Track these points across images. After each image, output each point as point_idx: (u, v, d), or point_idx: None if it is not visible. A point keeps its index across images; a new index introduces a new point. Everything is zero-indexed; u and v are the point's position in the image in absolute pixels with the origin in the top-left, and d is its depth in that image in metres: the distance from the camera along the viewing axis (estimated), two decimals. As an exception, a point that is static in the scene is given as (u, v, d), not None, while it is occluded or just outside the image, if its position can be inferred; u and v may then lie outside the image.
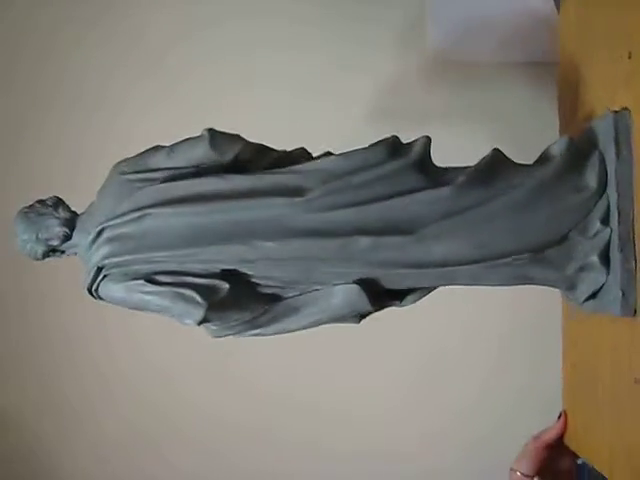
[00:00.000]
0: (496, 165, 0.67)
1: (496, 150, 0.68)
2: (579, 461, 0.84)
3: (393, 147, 0.67)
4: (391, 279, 0.67)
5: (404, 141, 0.69)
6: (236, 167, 0.66)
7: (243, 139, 0.68)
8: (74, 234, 0.69)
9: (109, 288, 0.67)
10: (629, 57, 0.62)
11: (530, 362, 1.24)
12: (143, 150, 0.68)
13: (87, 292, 0.68)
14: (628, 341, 0.63)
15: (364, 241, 0.64)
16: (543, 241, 0.65)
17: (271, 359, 1.25)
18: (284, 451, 1.33)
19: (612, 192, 0.64)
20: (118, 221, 0.65)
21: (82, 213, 0.70)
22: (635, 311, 0.62)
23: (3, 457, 1.34)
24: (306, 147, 0.73)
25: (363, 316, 0.70)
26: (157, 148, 0.68)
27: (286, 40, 1.26)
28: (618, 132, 0.63)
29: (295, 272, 0.66)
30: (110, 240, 0.66)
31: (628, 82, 0.63)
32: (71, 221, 0.69)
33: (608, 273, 0.64)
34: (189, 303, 0.65)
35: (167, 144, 0.68)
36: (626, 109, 0.63)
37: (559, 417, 0.85)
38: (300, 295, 0.68)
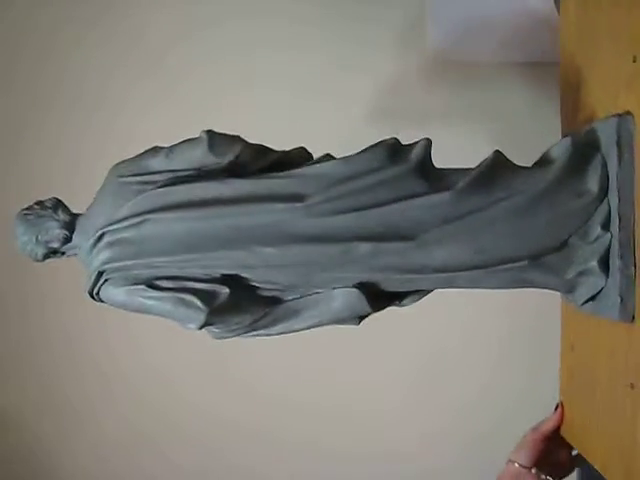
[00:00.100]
0: (497, 169, 0.66)
1: (497, 152, 0.68)
2: (574, 452, 0.84)
3: (393, 150, 0.66)
4: (391, 283, 0.67)
5: (404, 142, 0.69)
6: (235, 169, 0.66)
7: (242, 140, 0.67)
8: (74, 236, 0.69)
9: (110, 292, 0.67)
10: (634, 61, 0.61)
11: (529, 363, 1.24)
12: (142, 152, 0.68)
13: (88, 295, 0.68)
14: (625, 346, 0.63)
15: (364, 247, 0.64)
16: (543, 247, 0.65)
17: (271, 359, 1.25)
18: (284, 451, 1.33)
19: (613, 197, 0.64)
20: (118, 226, 0.65)
21: (81, 214, 0.70)
22: (633, 317, 0.62)
23: (3, 457, 1.34)
24: (306, 147, 0.73)
25: (362, 317, 0.70)
26: (156, 150, 0.68)
27: (286, 40, 1.26)
28: (620, 136, 0.63)
29: (295, 276, 0.66)
30: (110, 245, 0.66)
31: (631, 85, 0.63)
32: (71, 223, 0.69)
33: (607, 278, 0.64)
34: (190, 308, 0.65)
35: (166, 145, 0.68)
36: (629, 113, 0.63)
37: (556, 409, 0.85)
38: (300, 298, 0.68)
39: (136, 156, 0.68)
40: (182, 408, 1.33)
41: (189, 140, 0.67)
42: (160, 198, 0.65)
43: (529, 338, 1.25)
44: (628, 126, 0.62)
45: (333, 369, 1.31)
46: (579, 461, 0.84)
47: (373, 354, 1.29)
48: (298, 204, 0.64)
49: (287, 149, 0.71)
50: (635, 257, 0.62)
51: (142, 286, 0.65)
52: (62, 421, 1.35)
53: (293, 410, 1.31)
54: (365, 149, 0.67)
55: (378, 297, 0.68)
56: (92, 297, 0.69)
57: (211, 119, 1.20)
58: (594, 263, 0.64)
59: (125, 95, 1.29)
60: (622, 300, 0.62)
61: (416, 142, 0.68)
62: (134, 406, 1.34)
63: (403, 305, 0.72)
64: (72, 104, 1.30)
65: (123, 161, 0.69)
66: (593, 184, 0.65)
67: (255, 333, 0.70)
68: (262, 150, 0.68)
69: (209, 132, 0.66)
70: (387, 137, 0.69)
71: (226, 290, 0.65)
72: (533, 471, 0.82)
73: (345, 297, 0.67)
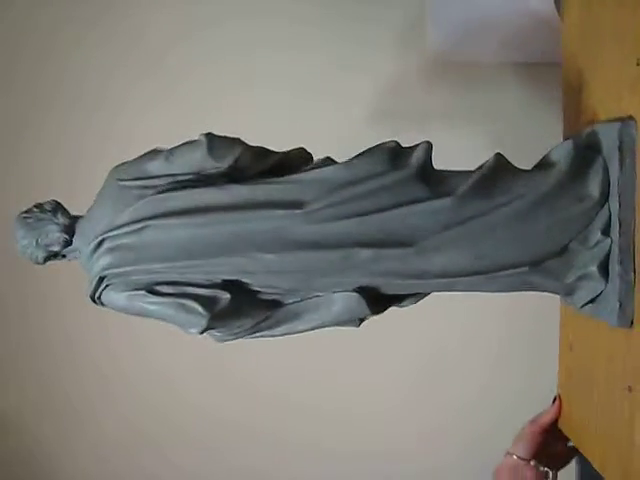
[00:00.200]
0: (498, 172, 0.66)
1: (498, 155, 0.67)
2: (570, 443, 0.84)
3: (394, 154, 0.66)
4: (391, 287, 0.67)
5: (404, 143, 0.68)
6: (235, 172, 0.66)
7: (242, 143, 0.67)
8: (74, 239, 0.69)
9: (111, 297, 0.67)
10: (638, 64, 0.61)
11: (528, 363, 1.24)
12: (141, 154, 0.68)
13: (90, 300, 0.69)
14: (624, 350, 0.63)
15: (365, 253, 0.64)
16: (544, 252, 0.65)
17: (271, 359, 1.25)
18: (284, 451, 1.33)
19: (614, 203, 0.63)
20: (118, 232, 0.65)
21: (81, 217, 0.70)
22: (632, 322, 0.62)
23: (3, 459, 1.34)
24: (306, 147, 0.72)
25: (363, 320, 0.70)
26: (155, 152, 0.67)
27: (286, 40, 1.26)
28: (623, 142, 0.62)
29: (295, 281, 0.66)
30: (111, 250, 0.66)
31: (635, 88, 0.62)
32: (70, 227, 0.69)
33: (607, 283, 0.64)
34: (191, 314, 0.65)
35: (165, 148, 0.67)
36: (632, 118, 0.62)
37: (553, 401, 0.86)
38: (301, 301, 0.68)
39: (135, 159, 0.68)
40: (183, 409, 1.33)
41: (188, 143, 0.66)
42: (160, 204, 0.65)
43: (528, 339, 1.26)
44: (630, 131, 0.62)
45: (333, 370, 1.31)
46: (576, 452, 0.84)
47: (373, 355, 1.29)
48: (298, 210, 0.64)
49: (287, 150, 0.70)
50: (635, 263, 0.62)
51: (143, 292, 0.66)
52: (62, 423, 1.35)
53: (293, 410, 1.31)
54: (365, 153, 0.67)
55: (378, 300, 0.68)
56: (94, 301, 0.69)
57: (211, 119, 1.21)
58: (594, 268, 0.64)
59: (125, 95, 1.29)
60: (621, 305, 0.62)
61: (417, 145, 0.67)
62: (134, 407, 1.34)
63: (403, 306, 0.72)
64: (72, 104, 1.30)
65: (122, 164, 0.68)
66: (594, 189, 0.65)
67: (257, 335, 0.70)
68: (262, 152, 0.68)
69: (208, 135, 0.66)
70: (387, 139, 0.69)
71: (227, 295, 0.65)
72: (532, 463, 0.83)
73: (345, 301, 0.67)
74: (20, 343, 1.34)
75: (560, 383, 0.86)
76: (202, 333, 0.66)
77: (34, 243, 0.69)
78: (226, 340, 0.70)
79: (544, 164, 0.69)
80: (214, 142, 0.65)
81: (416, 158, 0.66)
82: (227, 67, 1.27)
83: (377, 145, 0.67)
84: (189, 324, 0.66)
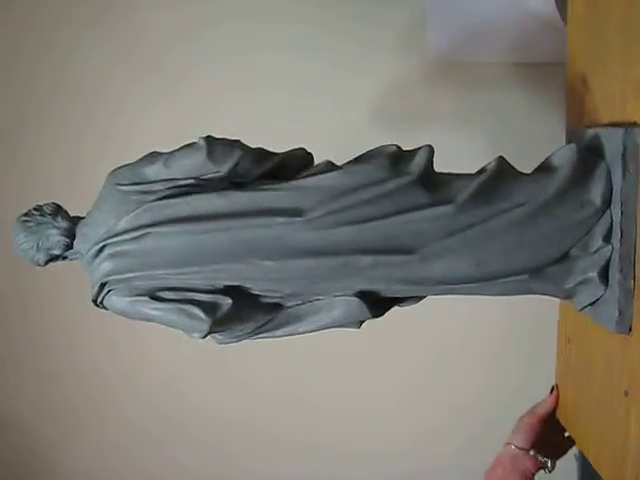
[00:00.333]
0: (500, 178, 0.66)
1: (500, 159, 0.67)
2: (567, 433, 0.85)
3: (394, 160, 0.65)
4: (391, 291, 0.67)
5: (405, 144, 0.68)
6: (235, 177, 0.65)
7: (241, 146, 0.66)
8: (75, 242, 0.69)
9: (114, 302, 0.67)
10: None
11: (527, 363, 1.24)
12: (139, 158, 0.67)
13: (93, 304, 0.69)
14: (621, 355, 0.64)
15: (365, 260, 0.64)
16: (545, 259, 0.65)
17: (272, 359, 1.25)
18: (284, 450, 1.34)
19: (616, 210, 0.63)
20: (118, 239, 0.65)
21: (81, 220, 0.70)
22: (630, 329, 0.62)
23: (4, 458, 1.35)
24: (306, 148, 0.72)
25: (363, 321, 0.71)
26: (154, 156, 0.67)
27: (286, 40, 1.25)
28: (626, 149, 0.62)
29: (296, 287, 0.66)
30: (112, 256, 0.66)
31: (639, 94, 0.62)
32: (70, 230, 0.69)
33: (606, 288, 0.64)
34: (194, 319, 0.65)
35: (164, 151, 0.67)
36: (636, 124, 0.62)
37: (551, 391, 0.86)
38: (302, 304, 0.68)
39: (134, 162, 0.67)
40: (184, 408, 1.34)
41: (187, 146, 0.66)
42: (160, 211, 0.65)
43: (528, 339, 1.26)
44: (635, 139, 0.61)
45: (333, 370, 1.31)
46: (574, 442, 0.84)
47: (374, 355, 1.29)
48: (298, 218, 0.63)
49: (287, 150, 0.70)
50: (635, 271, 0.62)
51: (145, 297, 0.66)
52: (63, 422, 1.36)
53: (293, 410, 1.32)
54: (365, 158, 0.67)
55: (378, 303, 0.68)
56: (97, 305, 0.69)
57: (211, 119, 1.22)
58: (594, 274, 0.64)
59: (125, 95, 1.29)
60: (620, 313, 0.62)
61: (418, 149, 0.67)
62: (135, 407, 1.35)
63: (403, 306, 0.72)
64: (72, 104, 1.30)
65: (121, 167, 0.68)
66: (596, 195, 0.64)
67: (258, 337, 0.70)
68: (262, 154, 0.67)
69: (207, 139, 0.65)
70: (388, 139, 0.69)
71: (229, 301, 0.65)
72: (531, 453, 0.83)
73: (346, 306, 0.67)
74: (20, 341, 1.34)
75: (558, 373, 0.86)
76: (205, 337, 0.67)
77: (35, 247, 0.69)
78: (228, 342, 0.70)
79: (546, 168, 0.68)
80: (213, 146, 0.65)
81: (417, 164, 0.65)
82: (227, 67, 1.27)
83: (377, 149, 0.67)
84: (192, 329, 0.66)
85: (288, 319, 0.69)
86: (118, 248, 0.65)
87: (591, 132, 0.69)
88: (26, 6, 1.28)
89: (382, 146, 0.67)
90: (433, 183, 0.66)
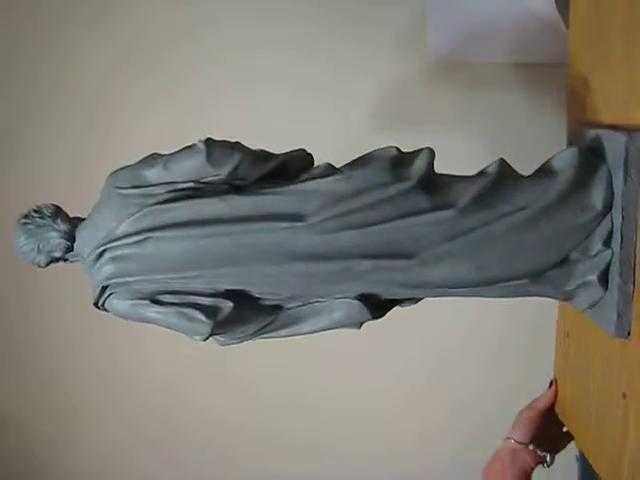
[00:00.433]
0: (501, 181, 0.66)
1: (501, 162, 0.67)
2: (565, 428, 0.85)
3: (395, 163, 0.65)
4: (392, 294, 0.68)
5: (405, 144, 0.68)
6: (235, 179, 0.65)
7: (241, 148, 0.66)
8: (75, 245, 0.69)
9: (115, 305, 0.68)
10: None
11: (527, 364, 1.24)
12: (139, 160, 0.67)
13: (94, 306, 0.69)
14: (619, 357, 0.64)
15: (365, 264, 0.64)
16: (545, 263, 0.65)
17: (272, 360, 1.25)
18: (285, 450, 1.34)
19: (617, 215, 0.63)
20: (119, 243, 0.65)
21: (82, 222, 0.70)
22: (629, 333, 0.62)
23: (4, 457, 1.35)
24: (306, 148, 0.72)
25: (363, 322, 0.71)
26: (153, 159, 0.67)
27: (286, 40, 1.25)
28: (629, 154, 0.61)
29: (297, 290, 0.66)
30: (112, 260, 0.66)
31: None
32: (71, 233, 0.69)
33: (606, 291, 0.64)
34: (195, 322, 0.65)
35: (164, 153, 0.67)
36: (639, 129, 0.62)
37: (550, 385, 0.86)
38: (303, 306, 0.68)
39: (133, 165, 0.67)
40: (183, 409, 1.34)
41: (187, 149, 0.66)
42: (161, 216, 0.64)
43: (528, 339, 1.26)
44: (638, 144, 0.61)
45: (334, 370, 1.31)
46: (573, 436, 0.84)
47: (374, 355, 1.29)
48: (299, 223, 0.63)
49: (287, 151, 0.70)
50: (634, 276, 0.62)
51: (146, 301, 0.66)
52: (63, 422, 1.36)
53: (293, 410, 1.32)
54: (366, 161, 0.66)
55: (379, 304, 0.68)
56: (98, 308, 0.69)
57: (210, 119, 1.21)
58: (594, 277, 0.64)
59: (125, 95, 1.28)
60: (619, 316, 0.62)
61: (418, 151, 0.67)
62: (135, 407, 1.35)
63: (403, 306, 0.72)
64: (72, 104, 1.30)
65: (121, 169, 0.68)
66: (597, 200, 0.64)
67: (259, 338, 0.70)
68: (262, 156, 0.67)
69: (207, 141, 0.65)
70: (388, 140, 0.69)
71: (229, 304, 0.65)
72: (530, 447, 0.83)
73: (346, 308, 0.67)
74: (20, 341, 1.34)
75: (557, 368, 0.86)
76: (206, 340, 0.67)
77: (35, 249, 0.69)
78: (230, 344, 0.70)
79: (547, 171, 0.68)
80: (213, 149, 0.64)
81: (418, 168, 0.65)
82: (227, 67, 1.26)
83: (377, 151, 0.67)
84: (192, 332, 0.66)
85: (289, 320, 0.69)
86: (119, 252, 0.65)
87: (593, 133, 0.69)
88: (26, 6, 1.28)
89: (382, 148, 0.67)
90: (434, 186, 0.66)
